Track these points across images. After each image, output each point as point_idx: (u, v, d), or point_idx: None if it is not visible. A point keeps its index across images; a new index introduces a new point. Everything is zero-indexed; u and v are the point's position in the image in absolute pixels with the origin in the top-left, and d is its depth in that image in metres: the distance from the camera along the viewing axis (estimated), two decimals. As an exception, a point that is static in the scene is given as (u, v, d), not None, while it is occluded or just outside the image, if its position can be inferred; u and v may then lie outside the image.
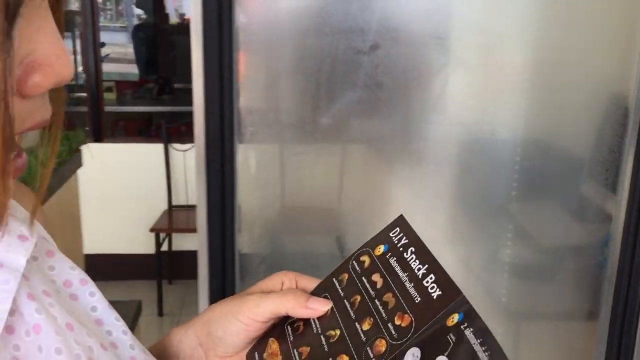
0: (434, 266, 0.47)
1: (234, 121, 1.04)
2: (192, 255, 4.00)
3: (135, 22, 7.41)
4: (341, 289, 0.52)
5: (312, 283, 0.55)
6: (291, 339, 0.52)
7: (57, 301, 0.48)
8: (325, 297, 0.52)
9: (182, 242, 3.55)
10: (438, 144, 1.21)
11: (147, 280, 3.33)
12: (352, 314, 0.49)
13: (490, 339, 0.42)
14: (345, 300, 0.51)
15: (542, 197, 1.31)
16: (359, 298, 0.50)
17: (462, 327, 0.43)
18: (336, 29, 1.07)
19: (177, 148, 3.41)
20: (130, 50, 6.15)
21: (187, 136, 3.72)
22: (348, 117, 1.16)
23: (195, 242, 3.73)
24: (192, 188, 3.49)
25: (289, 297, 0.52)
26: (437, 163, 1.21)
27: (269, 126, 1.11)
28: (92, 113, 3.02)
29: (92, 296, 0.52)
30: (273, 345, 0.53)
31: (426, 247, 0.49)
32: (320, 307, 0.51)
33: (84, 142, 1.29)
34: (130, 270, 3.45)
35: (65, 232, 1.26)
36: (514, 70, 1.20)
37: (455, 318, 0.43)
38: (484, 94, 1.23)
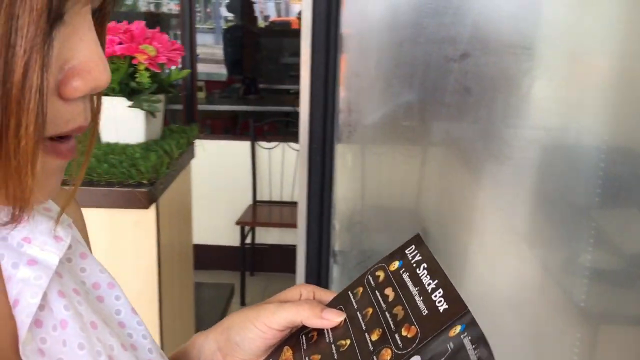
0: (443, 281, 0.49)
1: (335, 122, 1.15)
2: (273, 249, 4.19)
3: (223, 23, 7.72)
4: (355, 302, 0.54)
5: (328, 295, 0.57)
6: (304, 347, 0.54)
7: (85, 300, 0.51)
8: (340, 309, 0.54)
9: (264, 236, 3.73)
10: (523, 148, 1.27)
11: (231, 271, 3.51)
12: (363, 325, 0.51)
13: (483, 345, 0.44)
14: (358, 312, 0.53)
15: (625, 203, 1.34)
16: (370, 310, 0.52)
17: (462, 336, 0.44)
18: (430, 39, 1.16)
19: (263, 146, 3.58)
20: (217, 51, 6.42)
21: (271, 135, 3.89)
22: (438, 120, 1.24)
23: (275, 236, 3.91)
24: (275, 185, 3.65)
25: (305, 307, 0.54)
26: (521, 166, 1.27)
27: (365, 127, 1.21)
28: (186, 111, 3.22)
29: (117, 300, 0.56)
30: (287, 353, 0.54)
31: (438, 264, 0.51)
32: (334, 317, 0.53)
33: (197, 137, 1.44)
34: (216, 260, 3.64)
35: (179, 221, 1.42)
36: (598, 76, 1.25)
37: (457, 329, 0.45)
38: (569, 100, 1.28)
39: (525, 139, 1.28)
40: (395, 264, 0.54)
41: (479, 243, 1.26)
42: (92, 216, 1.21)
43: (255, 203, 3.61)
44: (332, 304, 0.55)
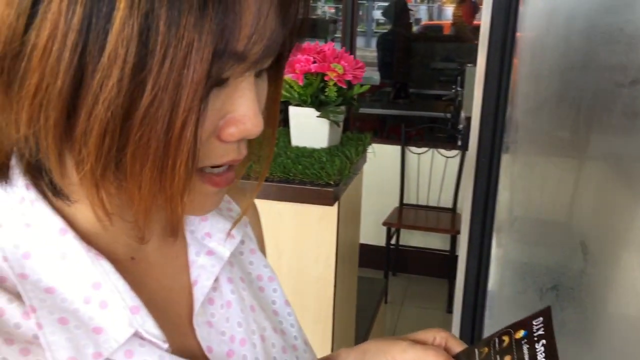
0: None
1: (503, 132, 1.27)
2: (416, 251, 4.29)
3: (374, 27, 7.91)
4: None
5: (458, 347, 0.61)
6: None
7: (248, 287, 0.62)
8: None
9: (409, 239, 3.87)
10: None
11: (374, 269, 3.70)
12: None
13: None
14: None
15: None
16: None
17: None
18: (601, 65, 1.25)
19: (413, 151, 3.72)
20: (367, 54, 6.62)
21: (418, 139, 4.01)
22: (603, 139, 1.32)
23: (419, 239, 4.02)
24: (422, 189, 3.78)
25: (431, 353, 0.59)
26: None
27: (529, 140, 1.32)
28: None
29: (274, 292, 0.66)
30: None
31: (555, 347, 0.53)
32: None
33: (370, 143, 1.63)
34: (361, 258, 3.85)
35: (352, 219, 1.61)
36: None
37: None
38: None
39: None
40: (521, 333, 0.56)
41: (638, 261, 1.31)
42: (287, 208, 1.43)
43: (402, 206, 3.76)
44: (457, 356, 0.60)
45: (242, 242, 0.65)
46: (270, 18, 0.43)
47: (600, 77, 1.26)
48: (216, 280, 0.59)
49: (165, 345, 0.49)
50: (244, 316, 0.59)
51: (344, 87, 1.46)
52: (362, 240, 3.96)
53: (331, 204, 1.33)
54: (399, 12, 5.25)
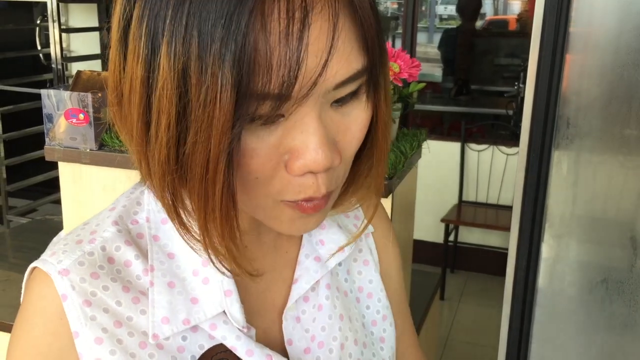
0: None
1: (554, 129, 1.33)
2: (475, 248, 4.31)
3: (437, 22, 7.88)
4: None
5: None
6: None
7: (343, 297, 0.67)
8: None
9: (467, 236, 3.90)
10: None
11: (432, 266, 3.75)
12: None
13: None
14: None
15: None
16: None
17: None
18: (653, 64, 1.29)
19: (472, 148, 3.75)
20: (429, 50, 6.61)
21: (480, 136, 4.03)
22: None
23: (478, 236, 4.05)
24: (482, 186, 3.80)
25: None
26: None
27: (580, 137, 1.37)
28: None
29: (367, 309, 0.70)
30: None
31: None
32: None
33: (425, 139, 1.71)
34: (419, 254, 3.91)
35: (406, 212, 1.69)
36: None
37: None
38: None
39: None
40: None
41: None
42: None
43: (461, 203, 3.80)
44: None
45: (359, 250, 0.70)
46: (310, 58, 0.44)
47: (652, 75, 1.30)
48: (317, 283, 0.65)
49: (245, 329, 0.57)
50: (331, 322, 0.64)
51: (400, 85, 1.55)
52: (421, 237, 4.04)
53: (385, 197, 1.42)
54: (471, 8, 5.14)
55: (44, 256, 0.56)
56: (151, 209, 0.59)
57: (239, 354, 0.57)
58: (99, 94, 1.53)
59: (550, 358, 1.52)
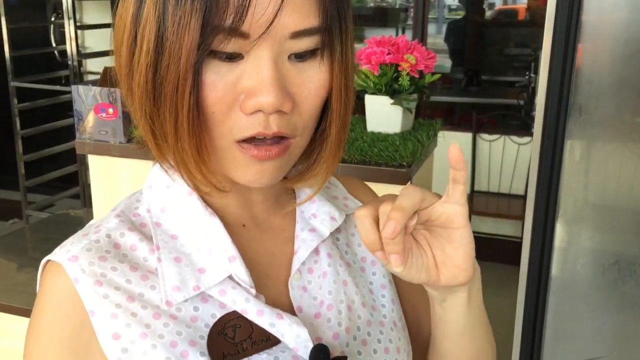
0: None
1: (567, 117, 1.39)
2: (487, 238, 4.35)
3: (446, 13, 7.90)
4: None
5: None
6: None
7: (345, 264, 0.70)
8: None
9: (479, 225, 3.96)
10: None
11: (445, 255, 3.80)
12: None
13: None
14: None
15: None
16: None
17: None
18: (662, 53, 1.34)
19: (484, 138, 3.81)
20: (438, 41, 6.64)
21: (491, 127, 4.09)
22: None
23: (490, 226, 4.09)
24: (494, 176, 3.86)
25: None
26: None
27: (592, 125, 1.43)
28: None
29: (373, 275, 0.74)
30: None
31: None
32: None
33: (440, 129, 1.78)
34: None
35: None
36: None
37: None
38: None
39: None
40: None
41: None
42: (363, 188, 1.60)
43: (473, 193, 3.86)
44: None
45: (354, 225, 0.74)
46: (261, 4, 0.52)
47: (661, 63, 1.36)
48: (318, 254, 0.69)
49: (253, 291, 0.62)
50: (336, 287, 0.68)
51: (416, 76, 1.61)
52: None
53: (404, 184, 1.49)
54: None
55: (54, 251, 0.61)
56: (151, 202, 0.65)
57: (249, 316, 0.61)
58: (127, 89, 1.60)
59: (564, 345, 1.58)
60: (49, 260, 0.61)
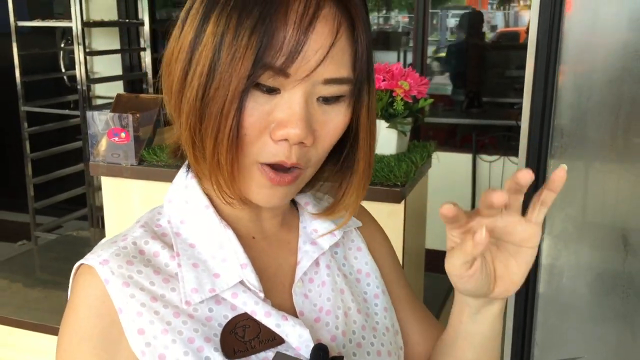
0: None
1: (549, 137, 1.50)
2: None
3: (448, 35, 8.03)
4: None
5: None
6: None
7: (342, 275, 0.79)
8: None
9: (481, 245, 4.04)
10: None
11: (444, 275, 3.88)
12: None
13: None
14: None
15: None
16: None
17: None
18: (636, 78, 1.46)
19: (484, 159, 3.91)
20: (439, 63, 6.74)
21: (492, 148, 4.19)
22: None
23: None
24: (494, 196, 3.95)
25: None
26: None
27: (575, 143, 1.54)
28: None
29: (367, 285, 0.82)
30: None
31: None
32: None
33: (435, 151, 1.90)
34: (434, 263, 4.05)
35: (418, 216, 1.88)
36: None
37: None
38: None
39: None
40: None
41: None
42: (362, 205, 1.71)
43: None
44: None
45: (352, 240, 0.84)
46: (310, 51, 0.61)
47: (637, 88, 1.48)
48: (318, 265, 0.77)
49: (262, 295, 0.70)
50: (334, 294, 0.77)
51: (410, 101, 1.74)
52: (434, 247, 4.16)
53: (399, 202, 1.60)
54: (472, 22, 5.35)
55: (86, 256, 0.69)
56: (171, 214, 0.73)
57: (258, 317, 0.69)
58: (138, 115, 1.73)
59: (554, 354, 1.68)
60: (81, 264, 0.69)
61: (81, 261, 0.69)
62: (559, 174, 0.60)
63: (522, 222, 0.62)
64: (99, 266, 0.66)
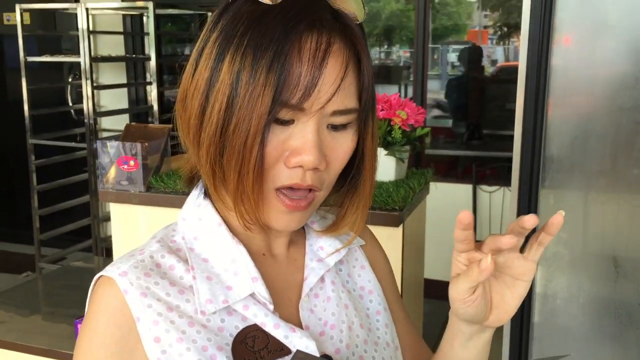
0: None
1: (540, 167, 1.58)
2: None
3: (449, 70, 8.17)
4: None
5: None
6: None
7: (346, 291, 0.82)
8: None
9: (482, 275, 4.08)
10: None
11: (446, 302, 3.91)
12: None
13: None
14: None
15: None
16: None
17: None
18: (622, 108, 1.55)
19: (484, 189, 3.98)
20: (441, 97, 6.86)
21: (493, 179, 4.26)
22: (631, 169, 1.60)
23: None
24: (494, 226, 4.02)
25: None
26: None
27: (567, 174, 1.62)
28: (415, 155, 3.78)
29: (370, 302, 0.85)
30: None
31: None
32: None
33: (432, 177, 1.97)
34: (434, 292, 4.08)
35: (416, 241, 1.94)
36: None
37: None
38: None
39: None
40: None
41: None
42: (359, 231, 1.78)
43: (476, 242, 4.00)
44: None
45: (355, 259, 0.88)
46: (324, 85, 0.65)
47: (622, 116, 1.56)
48: (323, 281, 0.81)
49: (272, 307, 0.73)
50: (338, 309, 0.80)
51: (408, 130, 1.82)
52: (435, 277, 4.20)
53: (397, 226, 1.67)
54: (472, 57, 5.46)
55: (105, 268, 0.72)
56: (185, 231, 0.76)
57: (267, 328, 0.72)
58: (146, 144, 1.81)
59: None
60: (101, 276, 0.72)
61: (101, 273, 0.72)
62: (556, 218, 0.66)
63: (520, 258, 0.70)
64: (119, 277, 0.70)
